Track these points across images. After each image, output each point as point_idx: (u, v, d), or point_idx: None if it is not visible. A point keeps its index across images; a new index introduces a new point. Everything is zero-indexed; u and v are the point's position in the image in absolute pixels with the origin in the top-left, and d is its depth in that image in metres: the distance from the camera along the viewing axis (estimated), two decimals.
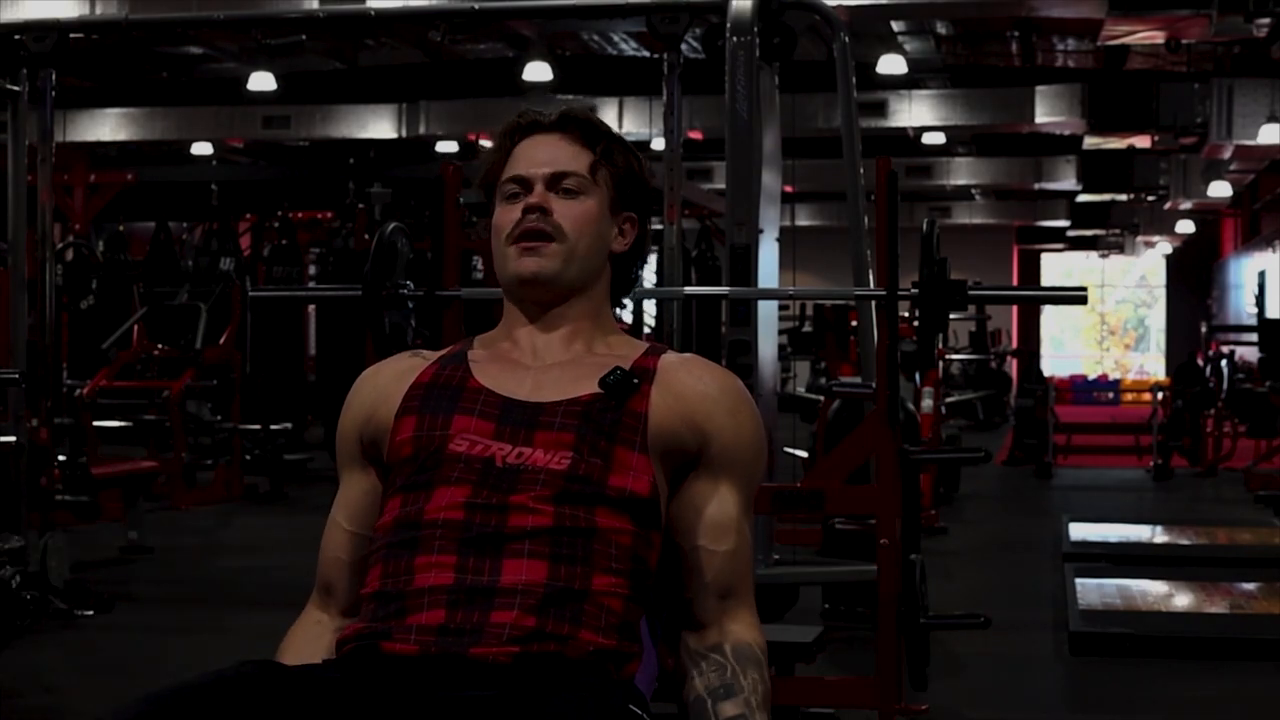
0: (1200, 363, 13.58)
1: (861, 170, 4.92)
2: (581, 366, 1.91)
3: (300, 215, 12.98)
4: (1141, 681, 4.90)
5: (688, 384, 1.90)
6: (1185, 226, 23.80)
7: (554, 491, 1.80)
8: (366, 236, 11.04)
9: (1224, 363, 12.21)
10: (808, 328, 12.17)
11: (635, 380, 1.88)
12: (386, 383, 1.95)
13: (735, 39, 4.49)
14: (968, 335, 16.63)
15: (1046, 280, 27.20)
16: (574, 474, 1.81)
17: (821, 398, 8.84)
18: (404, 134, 15.49)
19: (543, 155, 1.95)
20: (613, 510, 1.81)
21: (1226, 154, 14.67)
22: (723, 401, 1.90)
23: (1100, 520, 8.55)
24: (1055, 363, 26.68)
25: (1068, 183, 19.74)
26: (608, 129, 1.99)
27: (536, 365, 1.92)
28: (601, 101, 14.88)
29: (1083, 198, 22.33)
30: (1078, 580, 6.23)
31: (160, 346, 9.95)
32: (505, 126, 1.99)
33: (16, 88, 5.68)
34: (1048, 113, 14.88)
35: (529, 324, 1.96)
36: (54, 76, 5.66)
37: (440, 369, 1.94)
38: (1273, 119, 13.09)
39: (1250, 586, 6.35)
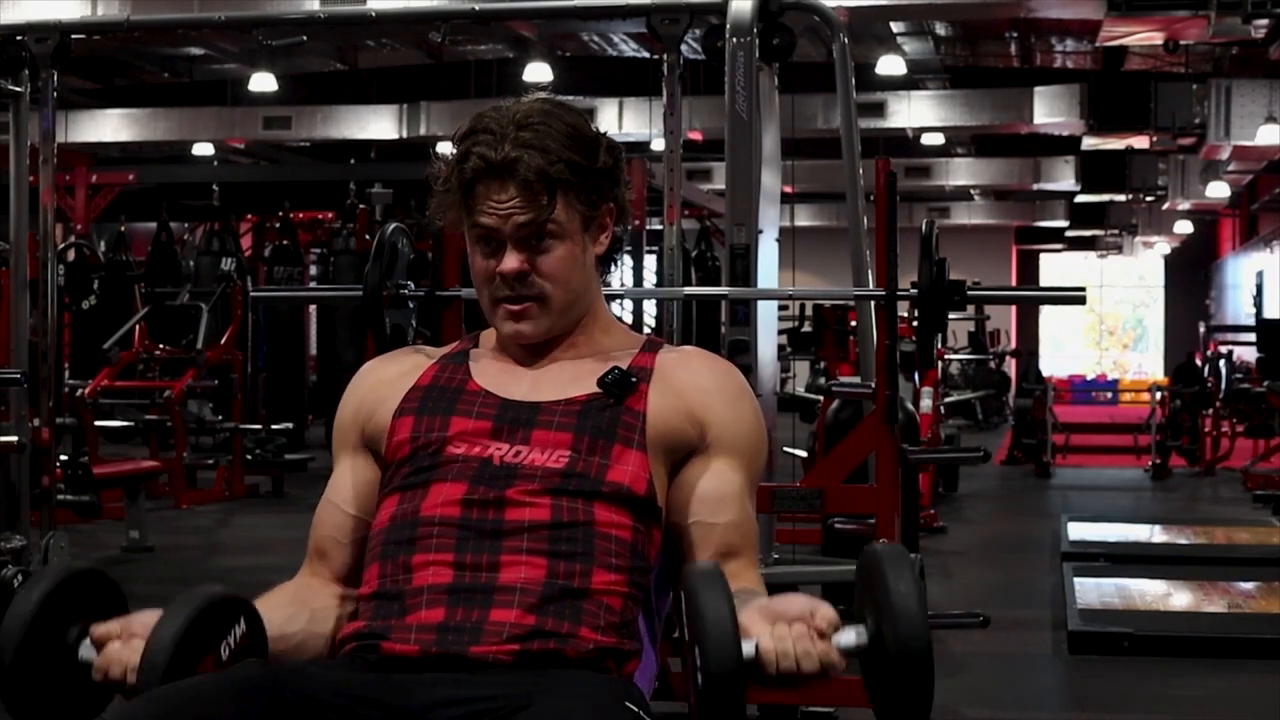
0: (1198, 363, 13.59)
1: (861, 171, 4.93)
2: (580, 365, 1.91)
3: (301, 216, 12.98)
4: (1140, 680, 4.91)
5: (685, 378, 1.91)
6: (1183, 227, 23.82)
7: (550, 486, 1.81)
8: (367, 237, 11.05)
9: (1222, 363, 12.22)
10: (807, 328, 12.17)
11: (634, 380, 1.88)
12: (388, 381, 1.95)
13: (735, 40, 4.50)
14: (967, 335, 16.64)
15: (1045, 280, 27.22)
16: (571, 471, 1.82)
17: (821, 398, 8.85)
18: (404, 134, 15.51)
19: (505, 201, 1.84)
20: (610, 505, 1.81)
21: (1224, 155, 14.68)
22: (721, 392, 1.91)
23: (1099, 520, 8.55)
24: (1054, 363, 26.69)
25: (1066, 183, 19.76)
26: (559, 141, 1.84)
27: (536, 364, 1.93)
28: (601, 102, 14.90)
29: (1081, 198, 22.36)
30: (1076, 579, 6.24)
31: (161, 346, 9.97)
32: (458, 168, 1.85)
33: (18, 88, 5.68)
34: (1046, 113, 14.90)
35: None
36: (56, 77, 5.66)
37: (440, 370, 1.94)
38: (1270, 120, 13.11)
39: (1248, 586, 6.35)
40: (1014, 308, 24.25)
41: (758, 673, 1.62)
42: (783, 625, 1.63)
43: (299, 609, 1.88)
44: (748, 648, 1.60)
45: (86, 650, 1.73)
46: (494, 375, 1.92)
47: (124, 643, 1.70)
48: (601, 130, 1.92)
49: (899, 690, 1.60)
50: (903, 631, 1.57)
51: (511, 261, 1.86)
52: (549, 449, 1.83)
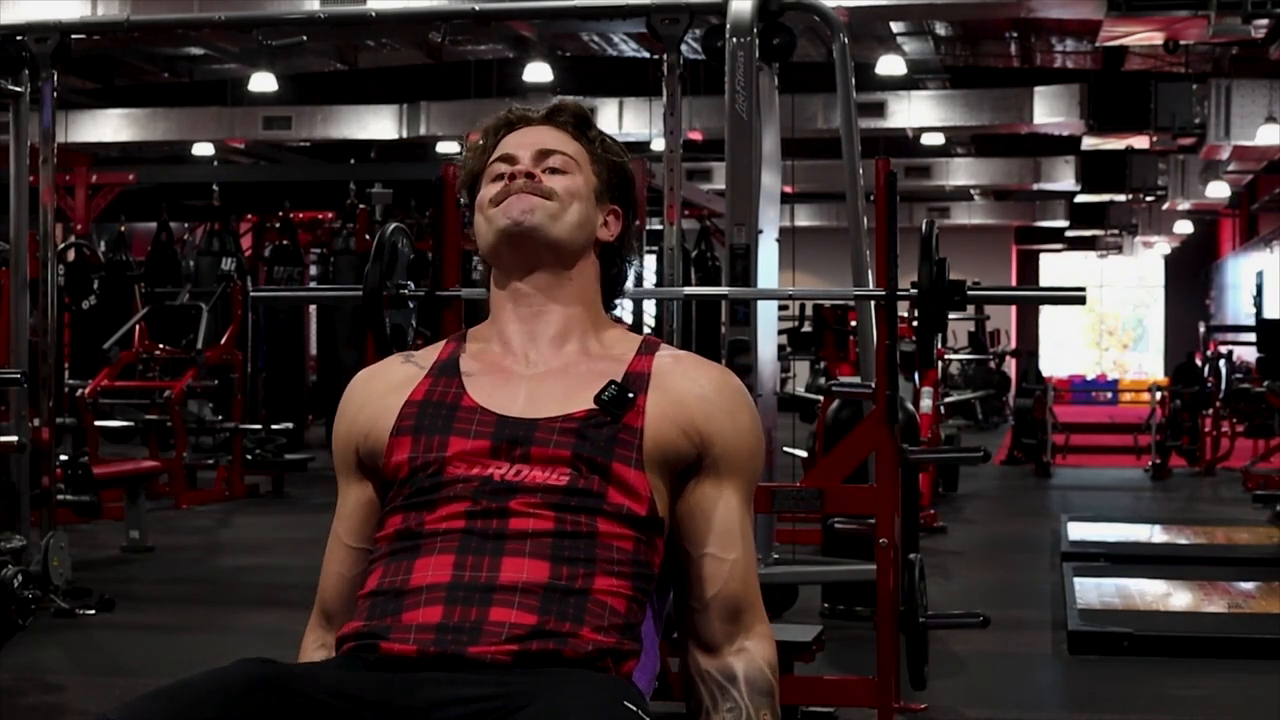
0: (1198, 363, 13.59)
1: (861, 171, 4.93)
2: (575, 375, 1.88)
3: (301, 215, 12.98)
4: (1139, 680, 4.91)
5: (683, 387, 1.88)
6: (1183, 227, 23.82)
7: (553, 501, 1.79)
8: (367, 237, 11.05)
9: (1222, 362, 12.22)
10: (807, 328, 12.17)
11: (630, 395, 1.86)
12: (380, 395, 1.92)
13: (735, 40, 4.50)
14: (967, 335, 16.64)
15: (1045, 280, 27.23)
16: (573, 488, 1.80)
17: (821, 398, 8.85)
18: (404, 134, 15.51)
19: (530, 138, 1.97)
20: (613, 521, 1.81)
21: (1224, 154, 14.68)
22: (720, 402, 1.89)
23: (1099, 520, 8.55)
24: (1054, 363, 26.68)
25: (1066, 183, 19.77)
26: (594, 124, 2.02)
27: (530, 374, 1.90)
28: (601, 102, 14.90)
29: (1081, 198, 22.36)
30: (1076, 579, 6.24)
31: (161, 346, 9.97)
32: (493, 122, 2.00)
33: (18, 89, 5.69)
34: (1046, 113, 14.90)
35: (518, 319, 1.93)
36: (56, 77, 5.67)
37: (434, 384, 1.91)
38: (1270, 119, 13.11)
39: (1248, 586, 6.36)
40: (1014, 308, 24.24)
41: None
42: None
43: None
44: None
45: None
46: (488, 389, 1.89)
47: None
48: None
49: None
50: None
51: (526, 165, 1.94)
52: (549, 468, 1.81)
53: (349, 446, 1.93)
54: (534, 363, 1.91)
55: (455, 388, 1.89)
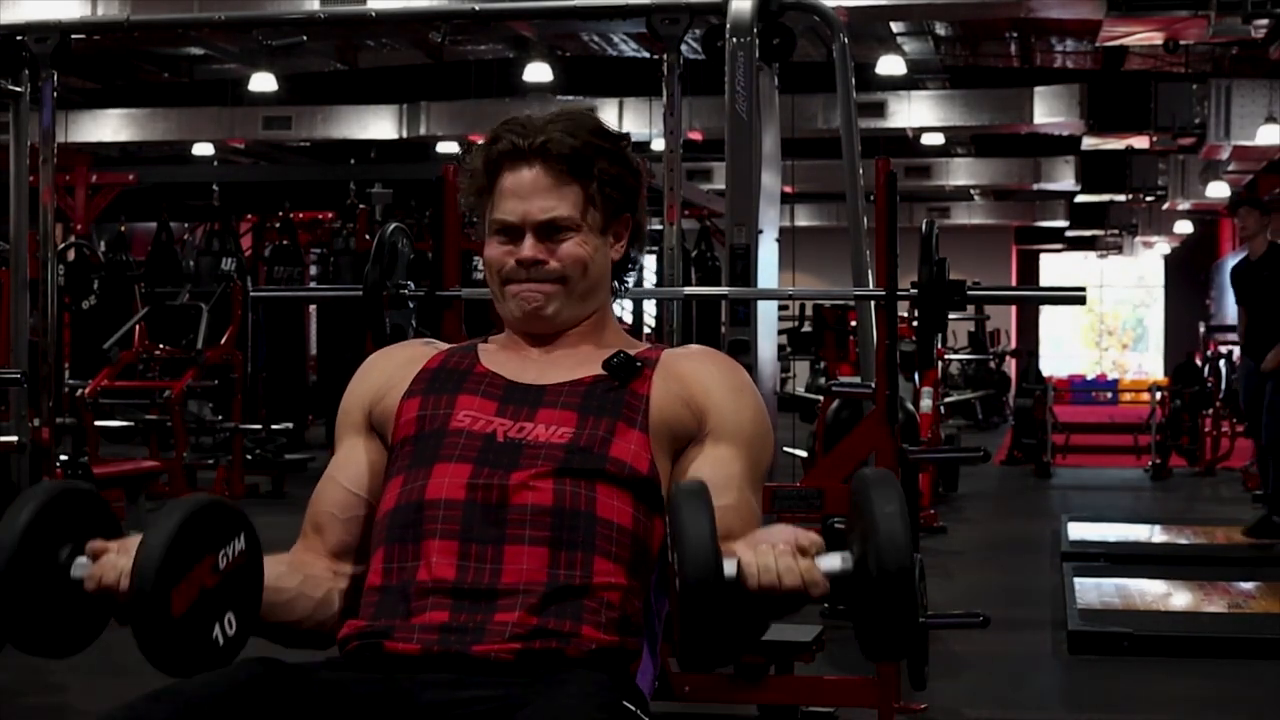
0: (1198, 363, 13.58)
1: (861, 171, 4.93)
2: (586, 353, 1.95)
3: (301, 215, 12.99)
4: (1139, 680, 4.91)
5: (688, 367, 1.94)
6: (1183, 227, 23.80)
7: (554, 466, 1.82)
8: (367, 237, 11.05)
9: (1222, 362, 12.22)
10: (807, 328, 12.17)
11: (638, 364, 1.91)
12: (397, 366, 1.98)
13: (735, 40, 4.50)
14: (967, 335, 16.63)
15: (1045, 280, 27.21)
16: (575, 446, 1.83)
17: (821, 398, 8.85)
18: (404, 134, 15.51)
19: (528, 192, 1.90)
20: (612, 485, 1.82)
21: (1224, 155, 14.67)
22: (724, 382, 1.94)
23: (1099, 520, 8.55)
24: (1054, 363, 26.67)
25: (1066, 183, 19.75)
26: (589, 134, 1.91)
27: (542, 356, 1.96)
28: (601, 102, 14.89)
29: (1081, 198, 22.34)
30: (1076, 579, 6.24)
31: (162, 346, 9.97)
32: (486, 148, 1.93)
33: (18, 89, 5.69)
34: (1046, 113, 14.89)
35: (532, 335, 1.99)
36: (56, 77, 5.66)
37: (449, 355, 1.98)
38: (1270, 120, 13.10)
39: (1248, 586, 6.36)
40: (1014, 308, 24.23)
41: (741, 591, 1.61)
42: (765, 545, 1.64)
43: (293, 570, 1.88)
44: (730, 566, 1.60)
45: (80, 569, 1.66)
46: (502, 361, 1.96)
47: (118, 553, 1.66)
48: (625, 133, 1.99)
49: (881, 616, 1.58)
50: (885, 557, 1.55)
51: (529, 249, 1.91)
52: (554, 426, 1.86)
53: (361, 406, 1.97)
54: (547, 351, 1.97)
55: (470, 359, 1.97)
